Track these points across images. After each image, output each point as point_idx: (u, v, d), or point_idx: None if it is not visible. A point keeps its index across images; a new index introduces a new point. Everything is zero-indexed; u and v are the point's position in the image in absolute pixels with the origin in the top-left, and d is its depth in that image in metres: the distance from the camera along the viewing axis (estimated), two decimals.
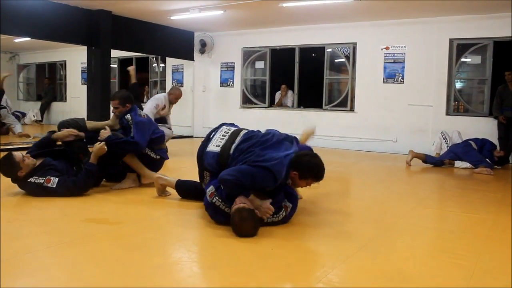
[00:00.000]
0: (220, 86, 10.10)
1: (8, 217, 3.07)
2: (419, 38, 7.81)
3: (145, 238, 2.72)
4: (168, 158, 4.50)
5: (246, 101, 9.87)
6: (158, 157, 4.29)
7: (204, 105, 10.28)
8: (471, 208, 3.86)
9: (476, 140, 6.47)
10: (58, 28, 7.62)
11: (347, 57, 8.63)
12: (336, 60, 9.16)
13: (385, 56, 8.14)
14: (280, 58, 9.62)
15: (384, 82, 8.18)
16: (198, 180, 3.54)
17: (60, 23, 7.60)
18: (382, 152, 8.08)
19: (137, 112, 4.22)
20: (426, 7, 6.95)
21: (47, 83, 13.75)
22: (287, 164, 2.89)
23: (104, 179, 4.23)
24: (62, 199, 3.53)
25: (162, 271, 2.17)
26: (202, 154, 3.24)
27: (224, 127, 3.32)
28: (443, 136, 6.97)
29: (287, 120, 9.19)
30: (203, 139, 3.42)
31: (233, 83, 9.92)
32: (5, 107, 9.11)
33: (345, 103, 8.71)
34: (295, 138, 3.34)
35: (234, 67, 9.87)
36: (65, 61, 13.32)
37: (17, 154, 3.55)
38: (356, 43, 8.45)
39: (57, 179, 3.57)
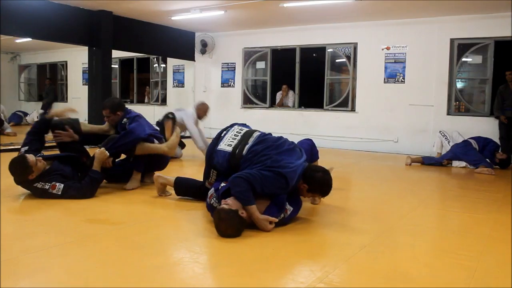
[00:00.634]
0: (221, 86, 10.10)
1: (9, 218, 3.08)
2: (420, 38, 7.81)
3: (146, 238, 2.72)
4: (170, 158, 4.51)
5: (247, 102, 9.88)
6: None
7: None
8: (472, 208, 3.86)
9: (479, 138, 6.41)
10: (59, 29, 7.63)
11: (348, 57, 8.63)
12: (337, 60, 9.16)
13: (386, 56, 8.13)
14: (281, 58, 9.62)
15: (385, 82, 8.18)
16: (196, 179, 3.56)
17: (61, 23, 7.62)
18: (383, 152, 8.07)
19: (132, 114, 4.19)
20: (427, 7, 6.94)
21: (48, 84, 13.77)
22: (299, 173, 2.96)
23: (105, 180, 4.22)
24: (63, 199, 3.53)
25: (163, 272, 2.17)
26: (212, 152, 3.24)
27: (236, 126, 3.33)
28: (442, 134, 6.96)
29: (288, 120, 9.20)
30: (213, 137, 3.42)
31: (234, 83, 9.92)
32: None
33: (346, 103, 8.71)
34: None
35: (235, 67, 9.88)
36: (66, 62, 13.34)
37: (31, 158, 3.50)
38: (357, 43, 8.45)
39: (62, 185, 3.55)
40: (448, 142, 6.77)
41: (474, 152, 6.17)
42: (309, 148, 3.63)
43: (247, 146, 3.08)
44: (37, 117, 12.81)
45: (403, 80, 8.02)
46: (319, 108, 9.06)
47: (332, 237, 2.90)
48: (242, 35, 9.65)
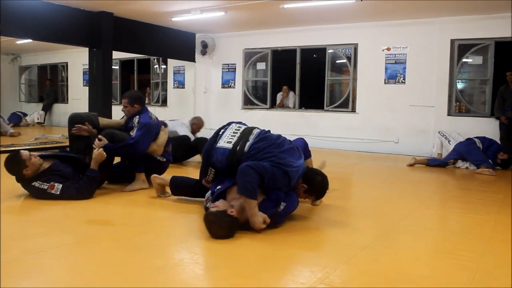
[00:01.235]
0: (222, 87, 10.10)
1: (9, 218, 3.08)
2: (420, 39, 7.81)
3: (147, 240, 2.72)
4: (172, 161, 4.52)
5: (248, 102, 9.88)
6: (164, 159, 4.29)
7: (205, 106, 10.28)
8: (473, 208, 3.86)
9: (484, 139, 6.34)
10: (59, 30, 7.64)
11: (349, 58, 8.63)
12: (337, 61, 9.17)
13: (386, 57, 8.13)
14: (282, 59, 9.62)
15: (385, 83, 8.18)
16: (192, 177, 3.58)
17: (62, 24, 7.62)
18: (383, 153, 8.07)
19: (148, 114, 4.18)
20: (427, 7, 6.94)
21: (49, 85, 13.80)
22: (300, 174, 3.04)
23: (106, 181, 4.23)
24: (64, 201, 3.53)
25: (164, 273, 2.17)
26: (210, 149, 3.23)
27: (234, 124, 3.33)
28: (442, 134, 6.94)
29: (289, 121, 9.19)
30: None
31: (234, 84, 9.92)
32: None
33: (346, 104, 8.71)
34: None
35: (235, 68, 9.88)
36: (66, 63, 13.35)
37: (24, 153, 3.53)
38: (357, 44, 8.45)
39: (60, 185, 3.53)
40: (449, 141, 6.72)
41: (478, 152, 6.12)
42: (303, 147, 3.66)
43: (248, 143, 3.08)
44: (38, 118, 12.86)
45: (403, 81, 8.02)
46: (320, 109, 9.06)
47: (333, 238, 2.90)
48: (242, 36, 9.66)
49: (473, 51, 7.55)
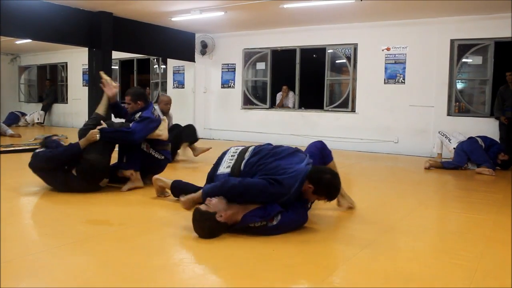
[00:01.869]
0: (221, 87, 10.11)
1: (9, 219, 3.08)
2: (420, 39, 7.82)
3: (146, 240, 2.72)
4: (171, 160, 4.50)
5: (247, 102, 9.88)
6: (162, 157, 4.29)
7: (205, 106, 10.29)
8: (472, 208, 3.86)
9: (485, 138, 6.30)
10: (59, 30, 7.64)
11: (348, 58, 8.63)
12: (337, 61, 9.17)
13: (386, 57, 8.14)
14: (281, 59, 9.63)
15: (385, 83, 8.18)
16: (194, 184, 3.56)
17: (61, 24, 7.62)
18: (383, 153, 8.08)
19: (151, 110, 4.21)
20: (427, 7, 6.95)
21: (48, 85, 13.80)
22: (303, 176, 2.85)
23: (107, 181, 4.22)
24: (63, 201, 3.54)
25: (164, 273, 2.18)
26: (212, 177, 3.20)
27: (232, 148, 3.29)
28: (442, 134, 6.91)
29: (288, 121, 9.20)
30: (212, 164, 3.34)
31: (234, 84, 9.92)
32: None
33: (346, 104, 8.71)
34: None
35: (235, 68, 9.88)
36: (66, 63, 13.36)
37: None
38: (357, 44, 8.45)
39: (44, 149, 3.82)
40: (449, 140, 6.64)
41: (480, 152, 6.08)
42: (318, 151, 3.44)
43: (243, 162, 3.04)
44: (38, 118, 12.84)
45: (403, 81, 8.02)
46: (319, 109, 9.06)
47: (333, 238, 2.90)
48: (242, 36, 9.66)
49: (473, 51, 7.56)
